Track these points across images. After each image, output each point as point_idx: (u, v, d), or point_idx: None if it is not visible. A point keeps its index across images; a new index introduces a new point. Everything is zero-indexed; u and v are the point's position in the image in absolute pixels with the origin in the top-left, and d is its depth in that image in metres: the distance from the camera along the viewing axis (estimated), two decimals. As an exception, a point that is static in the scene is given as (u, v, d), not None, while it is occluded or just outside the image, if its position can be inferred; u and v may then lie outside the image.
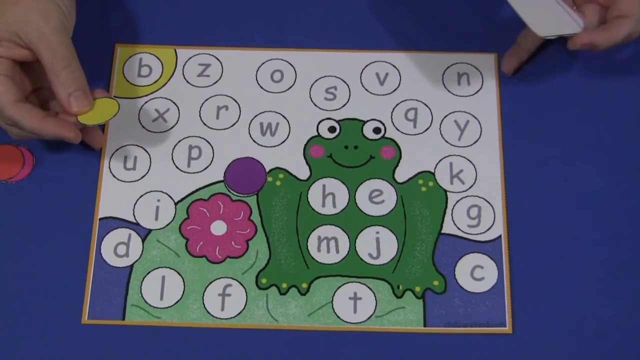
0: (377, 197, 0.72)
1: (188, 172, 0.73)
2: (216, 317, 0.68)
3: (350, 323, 0.68)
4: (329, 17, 0.78)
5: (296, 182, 0.72)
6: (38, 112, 0.67)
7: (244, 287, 0.69)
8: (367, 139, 0.74)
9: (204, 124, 0.74)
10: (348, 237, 0.71)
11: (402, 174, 0.73)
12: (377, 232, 0.71)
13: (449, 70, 0.76)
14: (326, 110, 0.75)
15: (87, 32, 0.77)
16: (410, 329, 0.68)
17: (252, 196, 0.72)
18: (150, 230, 0.71)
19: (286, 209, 0.72)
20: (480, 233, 0.71)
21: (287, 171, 0.73)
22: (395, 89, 0.76)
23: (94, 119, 0.69)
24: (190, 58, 0.76)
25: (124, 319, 0.68)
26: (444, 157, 0.73)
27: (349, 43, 0.77)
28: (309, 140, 0.74)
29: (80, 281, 0.69)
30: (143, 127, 0.74)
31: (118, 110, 0.69)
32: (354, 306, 0.69)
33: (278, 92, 0.75)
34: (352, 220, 0.71)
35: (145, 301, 0.69)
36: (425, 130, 0.74)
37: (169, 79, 0.76)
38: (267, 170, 0.73)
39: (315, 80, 0.76)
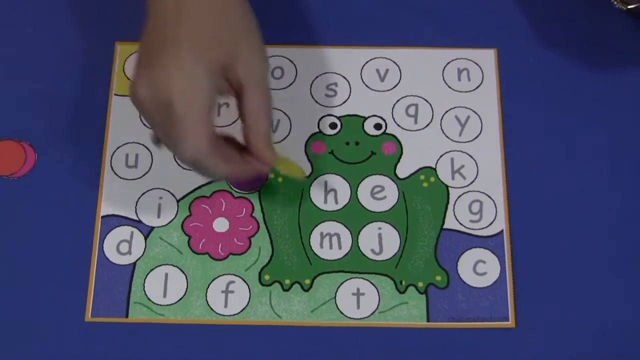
0: (379, 193, 0.72)
1: (190, 169, 0.72)
2: (219, 314, 0.69)
3: (354, 319, 0.68)
4: (329, 14, 0.78)
5: (298, 179, 0.72)
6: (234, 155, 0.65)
7: (247, 284, 0.69)
8: (368, 135, 0.74)
9: (205, 121, 0.74)
10: (350, 233, 0.71)
11: (403, 170, 0.73)
12: (380, 228, 0.71)
13: (449, 66, 0.76)
14: (327, 106, 0.75)
15: (87, 31, 0.77)
16: (413, 324, 0.68)
17: (254, 193, 0.72)
18: (152, 228, 0.71)
19: (288, 206, 0.72)
20: (482, 228, 0.71)
21: (288, 168, 0.73)
22: (396, 85, 0.76)
23: (287, 169, 0.69)
24: (190, 55, 0.76)
25: (127, 316, 0.68)
26: (445, 153, 0.73)
27: (349, 40, 0.77)
28: (310, 137, 0.74)
29: (83, 279, 0.69)
30: (144, 124, 0.74)
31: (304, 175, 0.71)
32: (357, 302, 0.69)
33: (279, 89, 0.75)
34: (354, 216, 0.71)
35: (149, 298, 0.69)
36: (426, 126, 0.74)
37: (170, 77, 0.76)
38: (269, 167, 0.73)
39: (316, 77, 0.76)
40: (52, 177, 0.72)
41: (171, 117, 0.60)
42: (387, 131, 0.74)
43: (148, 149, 0.73)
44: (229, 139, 0.66)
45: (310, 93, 0.75)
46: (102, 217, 0.71)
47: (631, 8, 0.74)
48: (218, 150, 0.62)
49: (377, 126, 0.74)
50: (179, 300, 0.69)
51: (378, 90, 0.76)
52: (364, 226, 0.71)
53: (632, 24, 0.77)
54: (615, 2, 0.75)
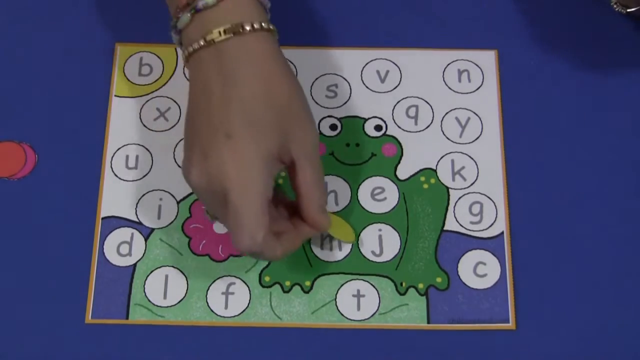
0: (379, 194, 0.72)
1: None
2: (220, 316, 0.68)
3: (354, 320, 0.68)
4: (329, 14, 0.78)
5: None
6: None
7: (247, 286, 0.69)
8: (369, 136, 0.74)
9: (206, 123, 0.74)
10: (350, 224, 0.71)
11: (403, 171, 0.73)
12: (380, 230, 0.71)
13: (449, 68, 0.76)
14: (327, 108, 0.75)
15: (87, 32, 0.77)
16: (413, 325, 0.68)
17: (254, 194, 0.72)
18: (152, 229, 0.71)
19: (288, 207, 0.72)
20: (483, 229, 0.71)
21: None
22: (396, 87, 0.76)
23: (338, 233, 0.70)
24: (190, 57, 0.76)
25: (127, 318, 0.68)
26: (445, 154, 0.73)
27: (349, 41, 0.77)
28: (310, 138, 0.74)
29: (84, 281, 0.69)
30: (144, 126, 0.74)
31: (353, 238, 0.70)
32: (358, 303, 0.69)
33: (279, 90, 0.75)
34: (355, 218, 0.71)
35: (149, 300, 0.69)
36: (427, 128, 0.74)
37: (170, 78, 0.76)
38: (269, 168, 0.73)
39: (316, 78, 0.76)
40: (52, 178, 0.72)
41: (227, 207, 0.60)
42: (388, 132, 0.74)
43: (148, 150, 0.73)
44: (278, 200, 0.66)
45: (311, 94, 0.75)
46: (102, 218, 0.71)
47: (630, 11, 0.74)
48: (272, 235, 0.62)
49: (378, 127, 0.74)
50: (179, 302, 0.69)
51: (378, 92, 0.76)
52: (365, 228, 0.71)
53: (632, 27, 0.77)
54: (615, 6, 0.75)
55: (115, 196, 0.72)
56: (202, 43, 0.62)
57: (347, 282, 0.69)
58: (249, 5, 0.63)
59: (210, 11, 0.62)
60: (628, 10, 0.74)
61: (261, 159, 0.61)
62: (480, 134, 0.74)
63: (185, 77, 0.76)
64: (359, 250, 0.70)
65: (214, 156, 0.60)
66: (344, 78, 0.76)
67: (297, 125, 0.63)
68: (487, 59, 0.77)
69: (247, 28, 0.62)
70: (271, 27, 0.64)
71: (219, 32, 0.62)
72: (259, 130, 0.61)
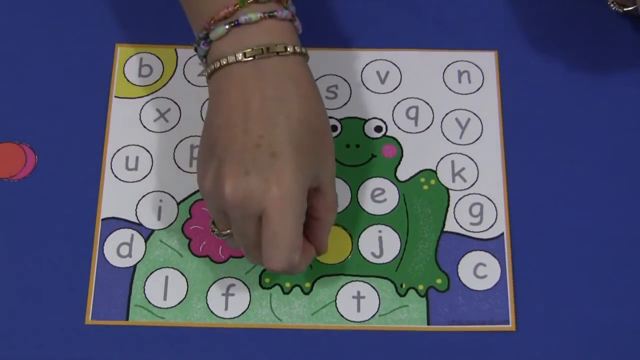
0: (379, 195, 0.72)
1: (190, 172, 0.73)
2: (220, 317, 0.69)
3: (354, 322, 0.68)
4: (329, 16, 0.78)
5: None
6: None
7: (247, 287, 0.69)
8: (369, 137, 0.74)
9: (206, 124, 0.74)
10: (350, 236, 0.71)
11: (403, 173, 0.73)
12: (380, 231, 0.71)
13: (449, 68, 0.76)
14: (327, 109, 0.74)
15: (87, 32, 0.77)
16: (413, 327, 0.68)
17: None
18: (152, 231, 0.71)
19: (288, 208, 0.72)
20: (483, 231, 0.71)
21: (289, 170, 0.73)
22: (396, 88, 0.76)
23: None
24: (190, 57, 0.76)
25: (127, 319, 0.68)
26: (445, 155, 0.73)
27: (349, 42, 0.77)
28: (310, 139, 0.74)
29: (84, 282, 0.69)
30: (144, 127, 0.74)
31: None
32: (358, 305, 0.69)
33: (279, 91, 0.75)
34: (355, 219, 0.71)
35: (149, 301, 0.69)
36: (427, 129, 0.74)
37: (170, 79, 0.76)
38: (269, 169, 0.73)
39: (316, 79, 0.75)
40: (52, 179, 0.72)
41: (262, 227, 0.60)
42: (388, 134, 0.74)
43: (148, 152, 0.73)
44: None
45: (311, 95, 0.75)
46: (102, 219, 0.71)
47: (627, 10, 0.75)
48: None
49: (378, 129, 0.74)
50: (179, 303, 0.69)
51: (378, 93, 0.76)
52: (364, 229, 0.71)
53: (629, 26, 0.77)
54: (612, 5, 0.75)
55: (116, 197, 0.72)
56: (239, 57, 0.61)
57: (347, 283, 0.69)
58: (289, 28, 0.64)
59: (250, 27, 0.62)
60: (625, 9, 0.74)
61: (302, 183, 0.60)
62: (481, 135, 0.74)
63: (186, 79, 0.76)
64: (359, 251, 0.70)
65: (257, 173, 0.59)
66: (344, 79, 0.76)
67: (328, 152, 0.63)
68: (487, 59, 0.77)
69: (289, 49, 0.62)
70: (305, 51, 0.64)
71: (261, 50, 0.61)
72: (303, 153, 0.60)
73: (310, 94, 0.63)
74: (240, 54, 0.61)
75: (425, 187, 0.72)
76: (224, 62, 0.62)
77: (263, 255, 0.61)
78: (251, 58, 0.61)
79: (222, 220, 0.63)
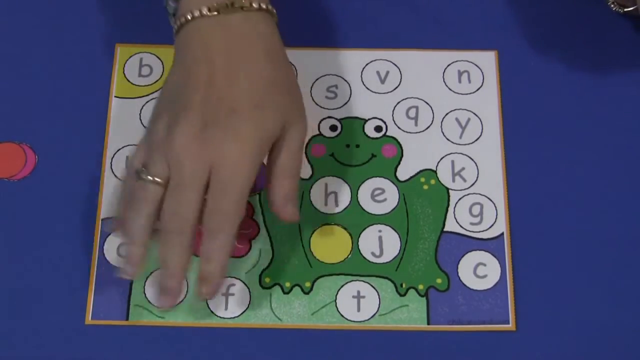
0: (379, 195, 0.72)
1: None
2: (220, 317, 0.68)
3: (354, 322, 0.68)
4: (329, 16, 0.78)
5: (298, 182, 0.72)
6: None
7: (247, 287, 0.69)
8: (369, 137, 0.74)
9: (206, 124, 0.74)
10: (350, 236, 0.71)
11: (403, 172, 0.73)
12: (380, 231, 0.71)
13: (449, 68, 0.76)
14: (327, 109, 0.75)
15: (87, 32, 0.77)
16: (413, 327, 0.68)
17: (254, 195, 0.72)
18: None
19: (289, 208, 0.72)
20: (483, 230, 0.71)
21: (289, 170, 0.73)
22: (396, 87, 0.76)
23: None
24: (190, 57, 0.76)
25: (127, 319, 0.68)
26: (445, 155, 0.73)
27: (349, 42, 0.77)
28: (310, 139, 0.74)
29: (84, 282, 0.69)
30: (144, 126, 0.74)
31: None
32: (358, 305, 0.69)
33: (279, 91, 0.75)
34: (355, 219, 0.71)
35: (149, 301, 0.69)
36: (427, 129, 0.74)
37: (170, 79, 0.76)
38: (269, 169, 0.73)
39: (316, 79, 0.76)
40: (52, 179, 0.72)
41: (200, 201, 0.61)
42: (388, 133, 0.74)
43: (148, 151, 0.73)
44: None
45: (311, 95, 0.75)
46: (103, 219, 0.71)
47: (627, 11, 0.75)
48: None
49: (378, 128, 0.74)
50: (179, 303, 0.69)
51: (378, 93, 0.76)
52: (365, 229, 0.71)
53: (630, 26, 0.77)
54: (612, 6, 0.75)
55: (116, 197, 0.72)
56: (204, 12, 0.62)
57: (347, 283, 0.69)
58: None
59: None
60: (625, 9, 0.75)
61: (260, 141, 0.61)
62: (481, 135, 0.74)
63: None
64: (359, 251, 0.70)
65: (215, 127, 0.60)
66: (344, 79, 0.76)
67: (296, 114, 0.64)
68: (487, 59, 0.77)
69: (255, 5, 0.62)
70: (273, 10, 0.64)
71: (226, 4, 0.62)
72: (264, 111, 0.61)
73: (277, 52, 0.63)
74: (205, 8, 0.62)
75: (426, 187, 0.72)
76: (189, 17, 0.63)
77: (208, 210, 0.61)
78: (216, 13, 0.62)
79: (157, 167, 0.62)
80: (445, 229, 0.71)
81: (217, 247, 0.63)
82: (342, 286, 0.69)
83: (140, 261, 0.64)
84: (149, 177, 0.62)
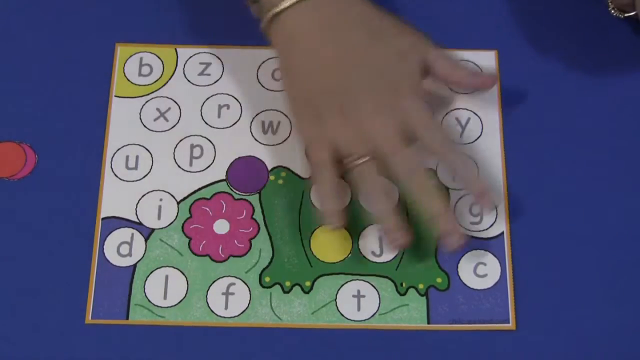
0: (379, 194, 0.72)
1: (190, 171, 0.73)
2: (220, 316, 0.68)
3: (354, 321, 0.68)
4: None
5: (298, 181, 0.72)
6: None
7: (247, 286, 0.69)
8: (369, 137, 0.74)
9: (206, 123, 0.74)
10: (350, 235, 0.71)
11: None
12: (380, 230, 0.71)
13: (449, 68, 0.76)
14: (327, 108, 0.75)
15: (87, 32, 0.77)
16: (414, 326, 0.68)
17: (254, 195, 0.72)
18: (153, 230, 0.71)
19: (289, 207, 0.72)
20: (483, 230, 0.71)
21: (289, 169, 0.73)
22: (396, 87, 0.76)
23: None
24: (190, 57, 0.76)
25: (127, 318, 0.68)
26: (445, 155, 0.73)
27: (349, 41, 0.77)
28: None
29: (84, 281, 0.69)
30: (144, 126, 0.74)
31: None
32: (358, 304, 0.69)
33: (279, 91, 0.75)
34: (355, 218, 0.71)
35: (149, 300, 0.69)
36: (427, 128, 0.74)
37: (170, 78, 0.76)
38: (269, 168, 0.73)
39: (316, 79, 0.76)
40: (52, 178, 0.72)
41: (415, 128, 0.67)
42: (388, 133, 0.74)
43: (148, 151, 0.73)
44: None
45: (311, 95, 0.75)
46: (103, 218, 0.71)
47: (628, 16, 0.75)
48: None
49: (378, 128, 0.74)
50: (179, 302, 0.69)
51: (378, 92, 0.76)
52: (365, 228, 0.71)
53: (630, 28, 0.77)
54: (612, 11, 0.75)
55: (116, 196, 0.72)
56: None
57: (347, 282, 0.69)
58: None
59: None
60: (625, 14, 0.75)
61: (416, 85, 0.69)
62: (480, 135, 0.74)
63: (186, 78, 0.75)
64: (359, 250, 0.70)
65: (377, 96, 0.67)
66: (344, 78, 0.76)
67: (421, 45, 0.71)
68: (487, 59, 0.77)
69: None
70: None
71: None
72: (405, 61, 0.69)
73: (377, 26, 0.69)
74: None
75: (426, 186, 0.72)
76: (285, 5, 0.66)
77: (429, 147, 0.67)
78: None
79: (360, 149, 0.67)
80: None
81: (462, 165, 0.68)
82: (342, 285, 0.69)
83: (409, 241, 0.67)
84: (357, 162, 0.67)
